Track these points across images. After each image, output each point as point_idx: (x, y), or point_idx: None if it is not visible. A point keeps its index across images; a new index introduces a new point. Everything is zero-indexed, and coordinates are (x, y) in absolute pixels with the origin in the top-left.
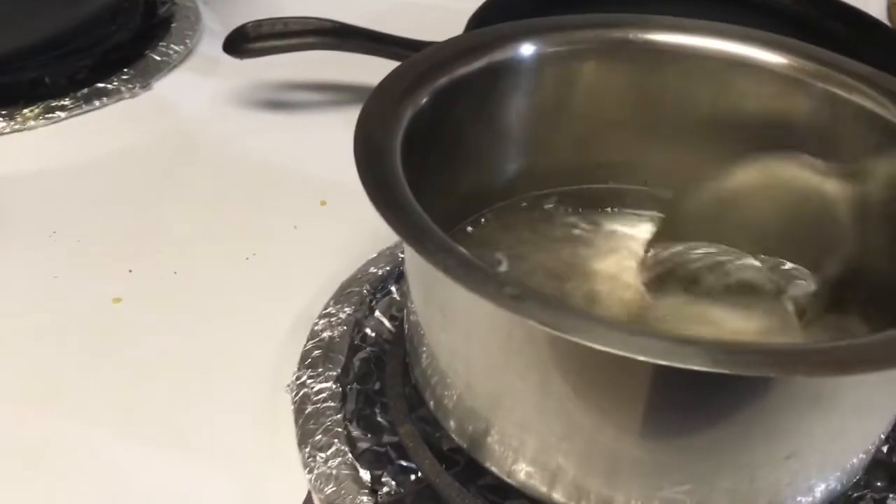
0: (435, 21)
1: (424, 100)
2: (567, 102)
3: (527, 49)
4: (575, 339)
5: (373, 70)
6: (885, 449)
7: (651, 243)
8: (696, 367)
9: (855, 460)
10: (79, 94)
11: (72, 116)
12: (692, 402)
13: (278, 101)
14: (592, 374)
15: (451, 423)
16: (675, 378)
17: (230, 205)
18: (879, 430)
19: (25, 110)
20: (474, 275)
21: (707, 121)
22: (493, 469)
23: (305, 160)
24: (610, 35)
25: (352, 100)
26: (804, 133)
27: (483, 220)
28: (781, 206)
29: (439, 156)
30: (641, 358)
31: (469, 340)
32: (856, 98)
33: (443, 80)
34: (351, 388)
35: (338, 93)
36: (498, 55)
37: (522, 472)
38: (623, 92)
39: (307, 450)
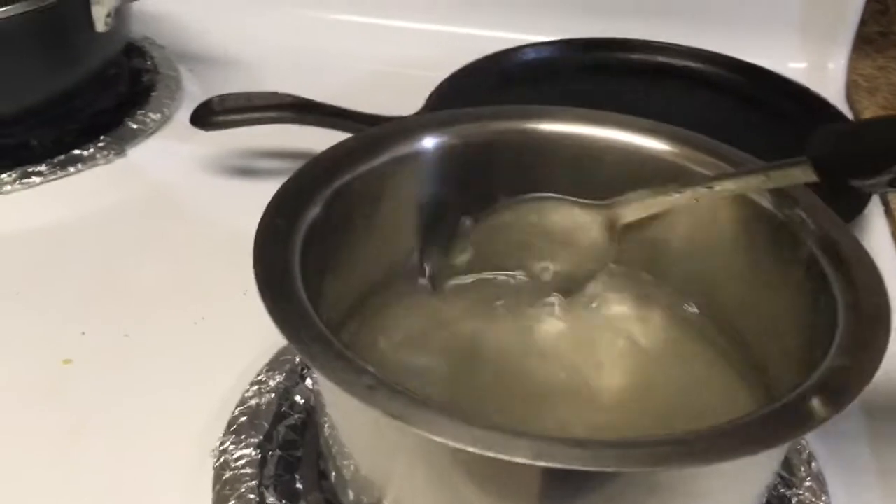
0: (396, 97)
1: (329, 193)
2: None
3: (426, 141)
4: (415, 430)
5: (335, 140)
6: None
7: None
8: (517, 460)
9: None
10: (55, 160)
11: (46, 182)
12: (538, 488)
13: (246, 168)
14: (447, 459)
15: (349, 496)
16: (514, 468)
17: (188, 268)
18: None
19: (3, 175)
20: (336, 364)
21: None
22: None
23: None
24: (498, 126)
25: None
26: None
27: (386, 302)
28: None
29: (344, 246)
30: (470, 449)
31: (348, 420)
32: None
33: (346, 175)
34: (272, 455)
35: (300, 161)
36: (400, 149)
37: None
38: (509, 176)
39: None
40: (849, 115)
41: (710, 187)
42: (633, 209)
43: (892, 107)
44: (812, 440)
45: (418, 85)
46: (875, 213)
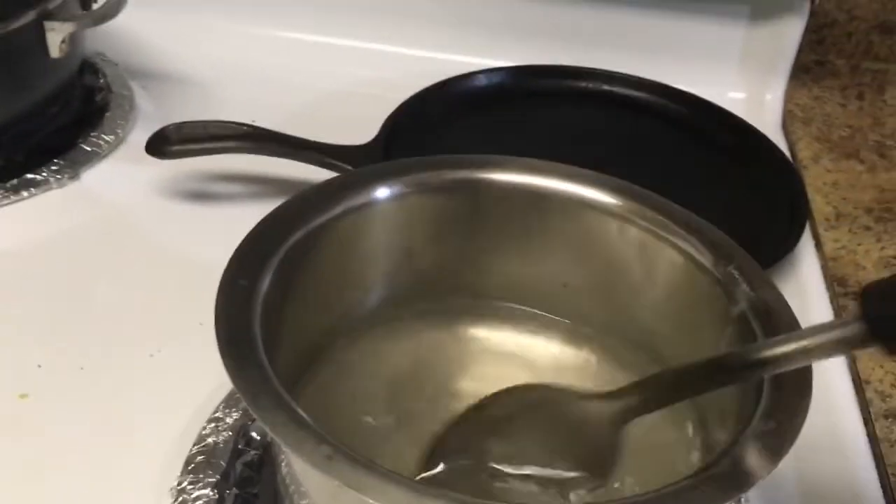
0: (353, 119)
1: (287, 248)
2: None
3: (381, 192)
4: (371, 501)
5: (295, 167)
6: None
7: None
8: None
9: None
10: (8, 184)
11: None
12: None
13: (202, 192)
14: None
15: None
16: None
17: (144, 297)
18: None
19: None
20: (297, 434)
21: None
22: None
23: (220, 255)
24: (452, 175)
25: (272, 194)
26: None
27: (346, 346)
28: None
29: (301, 299)
30: None
31: (307, 476)
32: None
33: (303, 229)
34: (229, 493)
35: (259, 186)
36: (354, 199)
37: None
38: (461, 223)
39: None
40: (784, 145)
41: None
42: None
43: (825, 137)
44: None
45: (373, 106)
46: (806, 246)
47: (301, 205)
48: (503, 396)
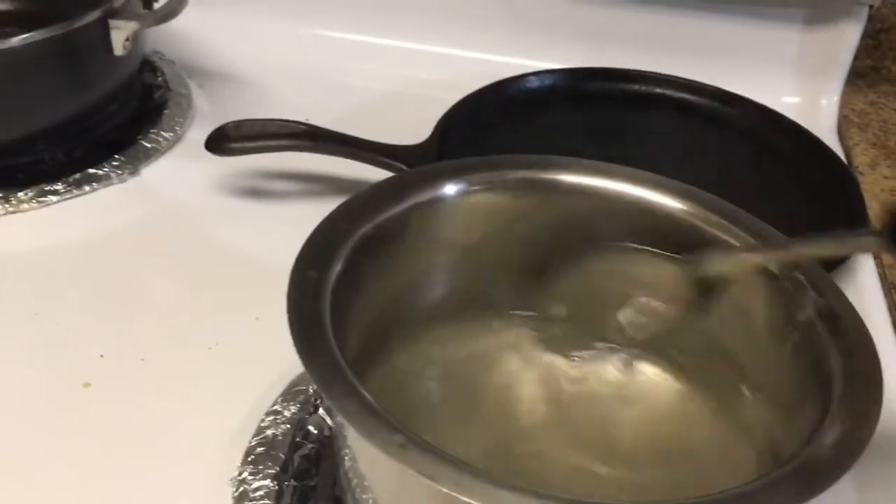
0: (406, 119)
1: (355, 240)
2: (484, 234)
3: (446, 189)
4: (446, 490)
5: (350, 165)
6: None
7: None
8: None
9: None
10: (70, 178)
11: (63, 200)
12: None
13: (259, 189)
14: None
15: None
16: None
17: (202, 291)
18: None
19: (20, 193)
20: (370, 422)
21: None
22: None
23: (276, 251)
24: (514, 175)
25: (327, 192)
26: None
27: (415, 338)
28: None
29: (370, 292)
30: None
31: (373, 468)
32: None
33: (370, 223)
34: (287, 485)
35: (315, 184)
36: (420, 196)
37: None
38: (534, 225)
39: None
40: (839, 150)
41: (786, 250)
42: (715, 266)
43: (881, 143)
44: None
45: (425, 106)
46: (864, 256)
47: (369, 199)
48: None
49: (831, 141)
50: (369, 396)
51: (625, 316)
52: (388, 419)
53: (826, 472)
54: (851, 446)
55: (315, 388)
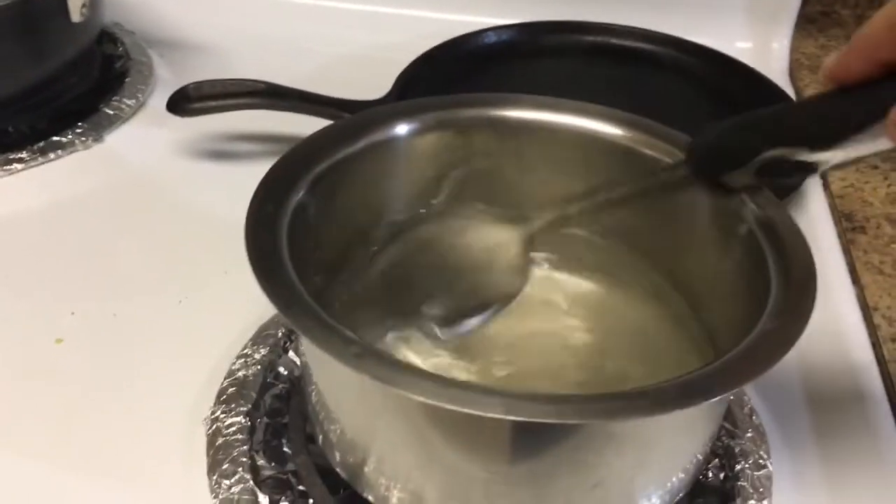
0: (365, 80)
1: (311, 178)
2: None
3: (399, 128)
4: (401, 392)
5: (310, 124)
6: (721, 476)
7: None
8: (490, 415)
9: (669, 484)
10: (35, 146)
11: (28, 168)
12: (504, 441)
13: (221, 151)
14: (425, 418)
15: (335, 456)
16: (485, 422)
17: (169, 250)
18: (682, 463)
19: None
20: (326, 335)
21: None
22: (370, 498)
23: (240, 210)
24: (467, 113)
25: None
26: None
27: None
28: None
29: (324, 225)
30: (449, 407)
31: (335, 387)
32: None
33: (326, 161)
34: (260, 422)
35: (276, 144)
36: (375, 135)
37: (395, 500)
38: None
39: (215, 477)
40: (791, 93)
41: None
42: (542, 224)
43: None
44: (753, 396)
45: (384, 68)
46: (814, 185)
47: (325, 139)
48: None
49: (783, 83)
50: (325, 315)
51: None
52: (344, 332)
53: (763, 359)
54: (786, 336)
55: (283, 328)
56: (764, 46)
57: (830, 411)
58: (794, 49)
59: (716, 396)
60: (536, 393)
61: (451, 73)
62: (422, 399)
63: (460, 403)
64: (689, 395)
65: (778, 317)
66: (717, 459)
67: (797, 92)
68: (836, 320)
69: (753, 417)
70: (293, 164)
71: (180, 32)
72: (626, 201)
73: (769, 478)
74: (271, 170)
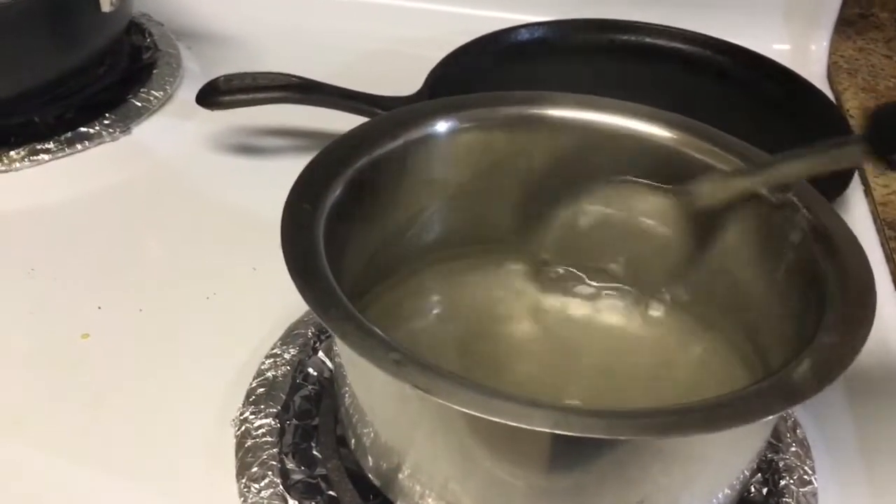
0: (396, 75)
1: (349, 175)
2: (477, 170)
3: (439, 126)
4: (442, 402)
5: (340, 119)
6: (764, 491)
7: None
8: (537, 428)
9: (714, 501)
10: (62, 137)
11: (55, 159)
12: (550, 454)
13: (249, 146)
14: (466, 428)
15: (368, 461)
16: (529, 435)
17: (197, 245)
18: (728, 479)
19: (12, 152)
20: (366, 341)
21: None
22: None
23: (270, 204)
24: (506, 111)
25: (318, 147)
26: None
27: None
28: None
29: (364, 225)
30: (495, 419)
31: (371, 393)
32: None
33: (364, 158)
34: (290, 424)
35: (305, 139)
36: (414, 133)
37: None
38: (525, 159)
39: (244, 481)
40: (830, 95)
41: (772, 170)
42: (708, 194)
43: (870, 87)
44: (797, 409)
45: (416, 64)
46: (856, 192)
47: (363, 136)
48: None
49: (822, 86)
50: (364, 319)
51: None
52: (383, 338)
53: (820, 376)
54: (844, 351)
55: (313, 327)
56: (802, 48)
57: (876, 424)
58: (833, 51)
59: (771, 414)
60: (584, 407)
61: (483, 70)
62: (464, 410)
63: (505, 416)
64: (743, 413)
65: (835, 330)
66: (760, 474)
67: (835, 95)
68: (881, 331)
69: (798, 431)
70: (330, 161)
71: (209, 24)
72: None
73: (815, 494)
74: (307, 167)
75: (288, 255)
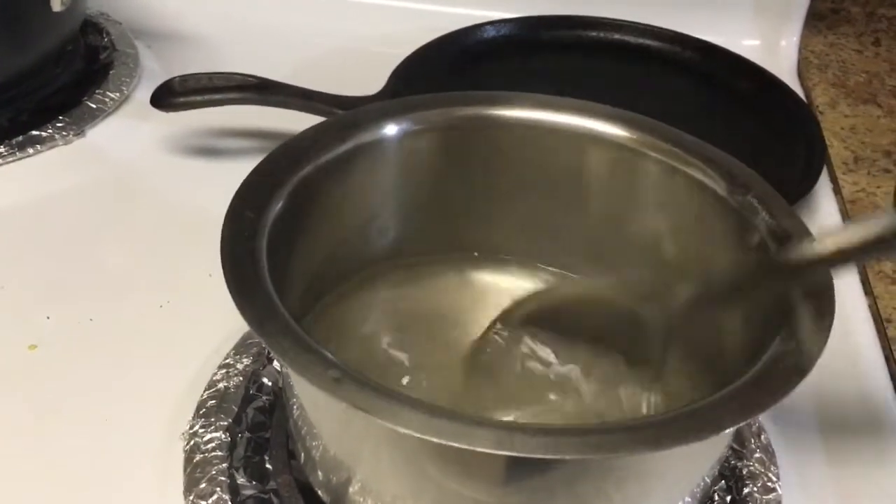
0: (359, 74)
1: (295, 182)
2: (430, 174)
3: (389, 129)
4: (381, 421)
5: (300, 120)
6: (727, 499)
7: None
8: (480, 449)
9: None
10: (13, 141)
11: (5, 164)
12: (498, 472)
13: (208, 148)
14: (412, 446)
15: (318, 476)
16: (476, 453)
17: (151, 251)
18: (688, 488)
19: None
20: (303, 357)
21: (551, 185)
22: None
23: (226, 209)
24: (461, 112)
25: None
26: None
27: (358, 283)
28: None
29: (309, 234)
30: (436, 440)
31: (316, 408)
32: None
33: (311, 164)
34: (241, 437)
35: (265, 140)
36: (363, 136)
37: None
38: (475, 163)
39: (191, 498)
40: (799, 91)
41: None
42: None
43: (841, 83)
44: (761, 414)
45: (379, 62)
46: (824, 189)
47: (310, 140)
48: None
49: (791, 82)
50: (304, 334)
51: None
52: (323, 354)
53: (778, 386)
54: (803, 359)
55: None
56: (772, 44)
57: (842, 429)
58: (803, 47)
59: (727, 428)
60: (529, 425)
61: (449, 68)
62: (404, 430)
63: (448, 436)
64: (698, 428)
65: (793, 338)
66: (723, 481)
67: (805, 91)
68: (848, 332)
69: (762, 436)
70: (275, 167)
71: (169, 23)
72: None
73: (779, 501)
74: (251, 174)
75: (227, 269)
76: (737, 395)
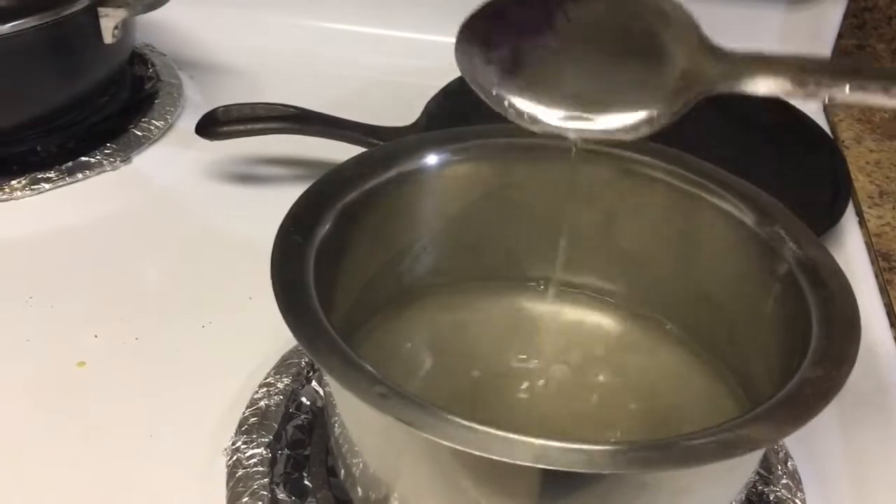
0: (394, 106)
1: (340, 208)
2: (469, 202)
3: (430, 158)
4: (427, 436)
5: (338, 149)
6: None
7: None
8: (520, 463)
9: None
10: (63, 166)
11: (56, 188)
12: (535, 487)
13: (248, 175)
14: (452, 461)
15: (357, 492)
16: (514, 468)
17: (194, 274)
18: None
19: (13, 181)
20: (351, 374)
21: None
22: None
23: (267, 234)
24: (499, 142)
25: (316, 176)
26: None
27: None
28: None
29: (355, 259)
30: (477, 452)
31: (359, 424)
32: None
33: (356, 191)
34: (281, 454)
35: (304, 168)
36: (405, 165)
37: None
38: (517, 190)
39: None
40: (825, 126)
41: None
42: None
43: (866, 118)
44: (788, 439)
45: (414, 94)
46: (850, 223)
47: (355, 168)
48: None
49: (817, 117)
50: (351, 352)
51: None
52: (369, 371)
53: (803, 410)
54: (829, 385)
55: (306, 357)
56: None
57: (869, 456)
58: None
59: (755, 448)
60: (568, 440)
61: (481, 102)
62: (448, 444)
63: (489, 450)
64: (727, 447)
65: (819, 364)
66: None
67: (831, 126)
68: (874, 364)
69: (789, 463)
70: (321, 194)
71: (211, 55)
72: None
73: None
74: (299, 200)
75: (277, 289)
76: (764, 417)
